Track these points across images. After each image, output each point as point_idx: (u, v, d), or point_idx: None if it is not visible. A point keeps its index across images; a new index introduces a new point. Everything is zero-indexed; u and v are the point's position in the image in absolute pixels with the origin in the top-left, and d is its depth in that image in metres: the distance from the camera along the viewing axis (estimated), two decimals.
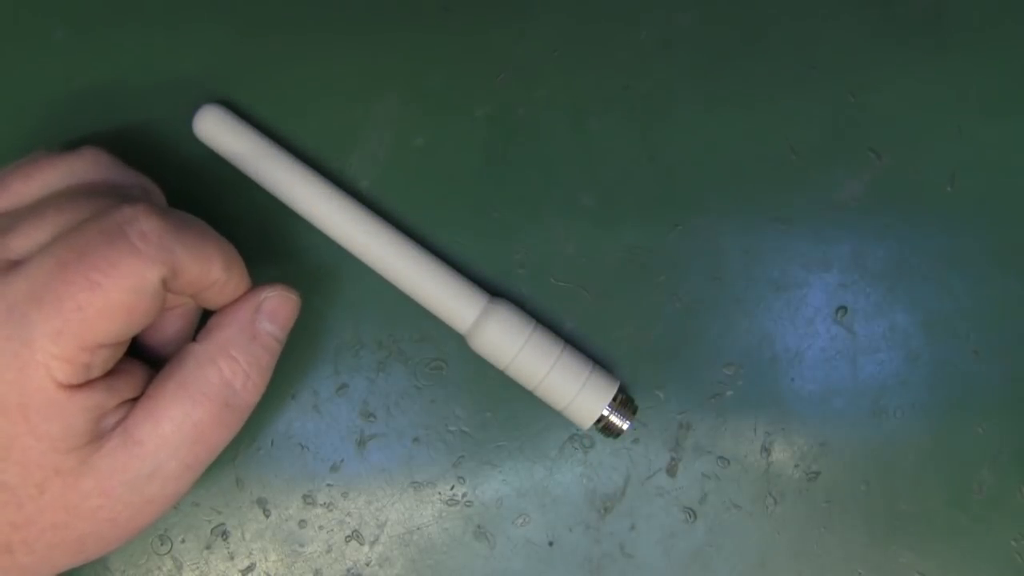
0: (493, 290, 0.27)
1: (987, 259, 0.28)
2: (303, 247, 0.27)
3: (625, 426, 0.25)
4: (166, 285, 0.20)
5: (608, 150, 0.28)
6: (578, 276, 0.27)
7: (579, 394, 0.25)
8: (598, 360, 0.26)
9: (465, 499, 0.27)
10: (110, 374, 0.20)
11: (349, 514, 0.27)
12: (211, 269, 0.21)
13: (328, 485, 0.27)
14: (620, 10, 0.29)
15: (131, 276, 0.19)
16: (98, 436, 0.20)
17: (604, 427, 0.25)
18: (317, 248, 0.27)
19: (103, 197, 0.21)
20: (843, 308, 0.27)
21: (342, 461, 0.27)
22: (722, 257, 0.28)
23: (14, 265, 0.19)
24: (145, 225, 0.19)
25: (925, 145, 0.28)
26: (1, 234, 0.20)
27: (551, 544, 0.27)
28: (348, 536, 0.26)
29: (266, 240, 0.27)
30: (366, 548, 0.26)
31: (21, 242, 0.20)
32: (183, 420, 0.21)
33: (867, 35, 0.28)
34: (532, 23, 0.28)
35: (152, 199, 0.23)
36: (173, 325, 0.23)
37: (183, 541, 0.26)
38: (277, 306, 0.22)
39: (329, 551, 0.26)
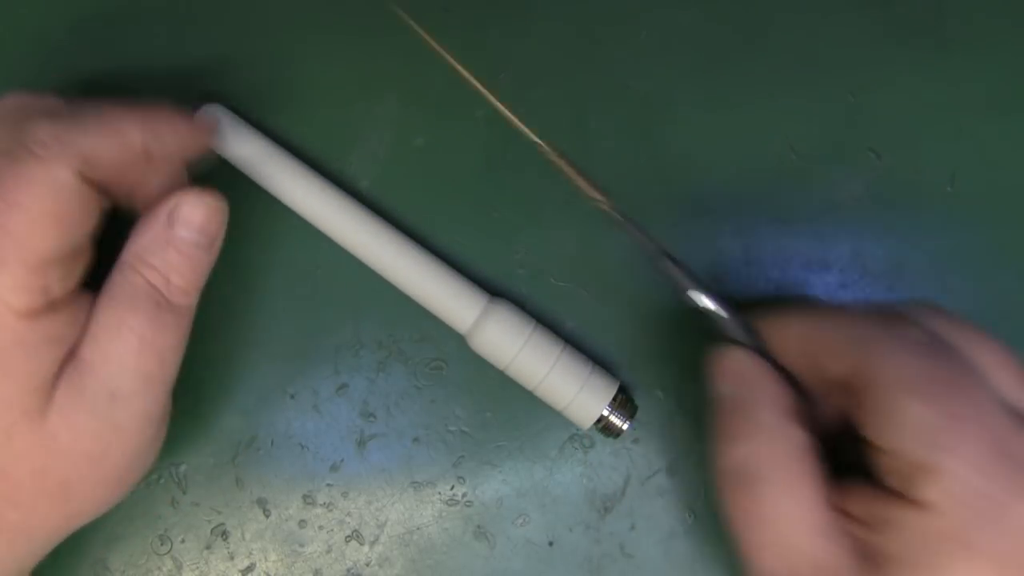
0: (493, 290, 0.27)
1: (987, 259, 0.28)
2: (303, 246, 0.27)
3: (625, 426, 0.25)
4: (89, 177, 0.20)
5: (608, 150, 0.28)
6: (578, 276, 0.27)
7: (579, 394, 0.25)
8: (598, 360, 0.26)
9: (465, 499, 0.27)
10: (73, 306, 0.20)
11: (349, 514, 0.27)
12: (128, 137, 0.20)
13: (328, 485, 0.27)
14: (620, 10, 0.29)
15: (42, 182, 0.19)
16: (61, 372, 0.20)
17: (604, 427, 0.25)
18: (317, 248, 0.27)
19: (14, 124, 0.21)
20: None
21: (342, 461, 0.27)
22: (722, 257, 0.28)
23: None
24: (40, 133, 0.19)
25: (925, 145, 0.28)
26: None
27: (551, 544, 0.27)
28: (348, 536, 0.27)
29: (265, 240, 0.27)
30: (366, 548, 0.26)
31: None
32: (119, 329, 0.20)
33: (867, 35, 0.28)
34: (532, 23, 0.28)
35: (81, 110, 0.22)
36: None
37: (183, 541, 0.26)
38: (190, 210, 0.22)
39: (329, 551, 0.26)
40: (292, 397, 0.27)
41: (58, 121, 0.20)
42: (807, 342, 0.21)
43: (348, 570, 0.26)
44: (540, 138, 0.27)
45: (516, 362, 0.25)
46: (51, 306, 0.20)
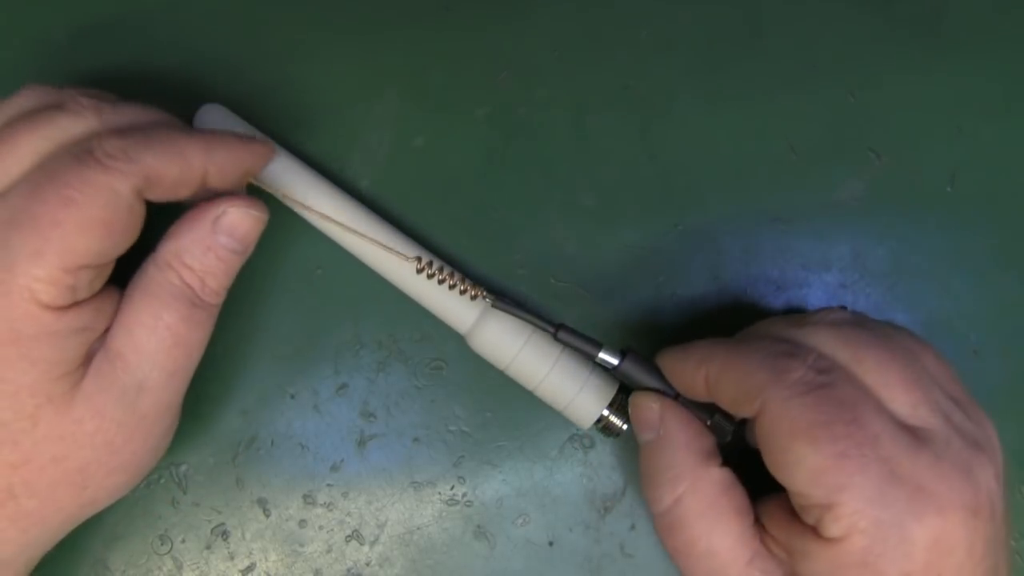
0: (493, 290, 0.27)
1: (987, 259, 0.28)
2: (303, 246, 0.27)
3: (625, 426, 0.25)
4: (144, 195, 0.20)
5: (608, 150, 0.28)
6: (578, 276, 0.27)
7: (579, 394, 0.25)
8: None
9: (465, 499, 0.27)
10: (98, 297, 0.21)
11: (349, 514, 0.27)
12: (191, 161, 0.21)
13: (328, 485, 0.27)
14: (620, 10, 0.29)
15: (103, 189, 0.19)
16: (88, 359, 0.21)
17: (604, 427, 0.25)
18: (317, 247, 0.27)
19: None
20: (843, 308, 0.27)
21: (342, 461, 0.27)
22: (722, 257, 0.28)
23: None
24: (108, 145, 0.20)
25: (925, 145, 0.28)
26: None
27: (551, 544, 0.27)
28: (348, 536, 0.27)
29: (266, 240, 0.27)
30: (366, 548, 0.26)
31: None
32: (155, 324, 0.21)
33: (867, 35, 0.28)
34: (532, 23, 0.28)
35: (108, 106, 0.22)
36: None
37: (183, 541, 0.26)
38: (235, 220, 0.22)
39: (329, 551, 0.26)
40: (292, 397, 0.27)
41: (126, 136, 0.20)
42: (709, 391, 0.22)
43: (348, 570, 0.26)
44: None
45: (516, 362, 0.25)
46: (76, 304, 0.20)
